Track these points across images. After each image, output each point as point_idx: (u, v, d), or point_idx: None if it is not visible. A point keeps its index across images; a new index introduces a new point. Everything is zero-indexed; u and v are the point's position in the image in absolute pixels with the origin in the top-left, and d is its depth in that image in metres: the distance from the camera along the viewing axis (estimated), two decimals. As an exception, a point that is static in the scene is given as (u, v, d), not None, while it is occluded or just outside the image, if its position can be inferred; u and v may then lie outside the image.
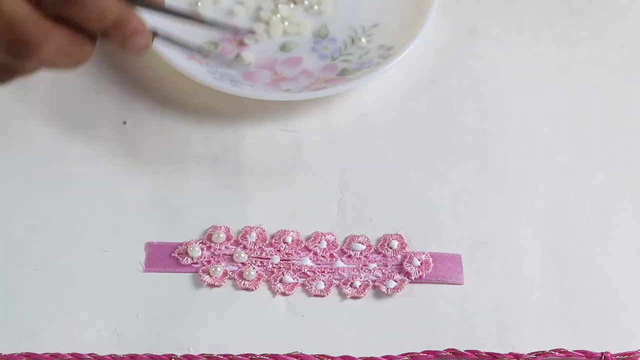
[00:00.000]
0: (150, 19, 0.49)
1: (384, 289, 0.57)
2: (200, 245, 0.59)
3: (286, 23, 0.70)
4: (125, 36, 0.47)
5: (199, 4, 0.71)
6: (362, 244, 0.59)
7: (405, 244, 0.59)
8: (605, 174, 0.62)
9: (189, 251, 0.58)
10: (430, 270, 0.58)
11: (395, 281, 0.57)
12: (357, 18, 0.70)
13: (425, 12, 0.67)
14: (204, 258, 0.58)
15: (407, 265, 0.58)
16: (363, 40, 0.69)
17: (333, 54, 0.69)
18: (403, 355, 0.54)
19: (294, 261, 0.58)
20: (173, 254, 0.58)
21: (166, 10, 0.50)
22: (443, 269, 0.58)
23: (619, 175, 0.62)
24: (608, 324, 0.56)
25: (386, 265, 0.58)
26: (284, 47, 0.69)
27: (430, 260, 0.58)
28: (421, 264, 0.58)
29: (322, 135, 0.65)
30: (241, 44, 0.69)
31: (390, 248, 0.59)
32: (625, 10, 0.72)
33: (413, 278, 0.57)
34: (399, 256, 0.59)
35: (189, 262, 0.58)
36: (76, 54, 0.47)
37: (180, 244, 0.59)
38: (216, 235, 0.59)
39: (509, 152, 0.63)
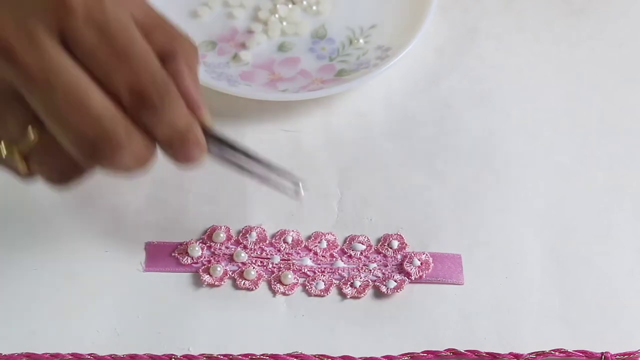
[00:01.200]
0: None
1: (384, 289, 0.57)
2: (200, 244, 0.59)
3: (284, 23, 0.70)
4: (186, 147, 0.47)
5: (209, 4, 0.71)
6: (362, 243, 0.59)
7: (406, 244, 0.59)
8: (606, 174, 0.62)
9: (189, 251, 0.58)
10: (430, 270, 0.58)
11: (395, 281, 0.57)
12: (355, 19, 0.71)
13: (424, 13, 0.67)
14: (204, 258, 0.58)
15: (407, 265, 0.58)
16: (361, 41, 0.69)
17: (331, 55, 0.69)
18: (403, 355, 0.54)
19: (294, 261, 0.58)
20: (173, 254, 0.58)
21: (218, 138, 0.51)
22: (443, 269, 0.58)
23: (619, 175, 0.62)
24: (608, 324, 0.56)
25: (386, 265, 0.58)
26: (282, 47, 0.69)
27: (430, 260, 0.58)
28: (421, 264, 0.58)
29: (322, 135, 0.65)
30: (241, 45, 0.69)
31: (391, 248, 0.59)
32: (625, 10, 0.72)
33: (413, 278, 0.57)
34: (399, 256, 0.59)
35: (189, 261, 0.58)
36: (146, 159, 0.46)
37: (180, 244, 0.59)
38: (216, 235, 0.59)
39: (509, 152, 0.63)
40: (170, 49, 0.47)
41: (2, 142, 0.46)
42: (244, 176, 0.54)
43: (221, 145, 0.51)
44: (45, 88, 0.43)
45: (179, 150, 0.48)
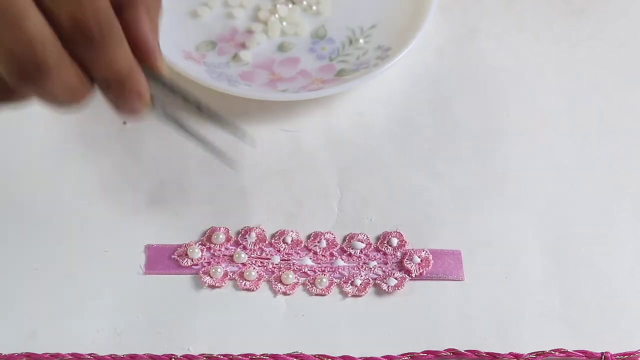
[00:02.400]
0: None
1: (384, 287, 0.57)
2: (200, 246, 0.59)
3: (284, 23, 0.71)
4: (124, 93, 0.46)
5: (209, 4, 0.71)
6: (362, 242, 0.59)
7: (405, 241, 0.59)
8: (605, 174, 0.62)
9: (188, 253, 0.58)
10: (430, 267, 0.58)
11: (395, 279, 0.57)
12: (355, 19, 0.71)
13: (424, 13, 0.67)
14: (204, 259, 0.58)
15: (407, 262, 0.58)
16: (361, 41, 0.69)
17: (331, 55, 0.69)
18: (403, 355, 0.54)
19: (294, 261, 0.58)
20: (173, 256, 0.58)
21: (168, 86, 0.49)
22: (443, 266, 0.58)
23: (619, 175, 0.62)
24: (608, 324, 0.56)
25: (386, 263, 0.58)
26: (282, 48, 0.69)
27: (430, 257, 0.58)
28: (421, 261, 0.58)
29: (322, 135, 0.65)
30: (241, 45, 0.69)
31: (390, 246, 0.59)
32: (625, 10, 0.72)
33: (414, 275, 0.57)
34: (398, 254, 0.59)
35: (189, 263, 0.58)
36: (77, 93, 0.45)
37: (180, 246, 0.59)
38: (215, 236, 0.59)
39: (509, 152, 0.63)
40: None
41: None
42: (186, 138, 0.51)
43: (174, 95, 0.49)
44: None
45: (117, 96, 0.46)
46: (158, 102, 0.49)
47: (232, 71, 0.67)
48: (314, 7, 0.71)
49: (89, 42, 0.44)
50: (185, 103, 0.50)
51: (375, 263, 0.58)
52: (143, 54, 0.47)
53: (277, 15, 0.71)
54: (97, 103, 0.66)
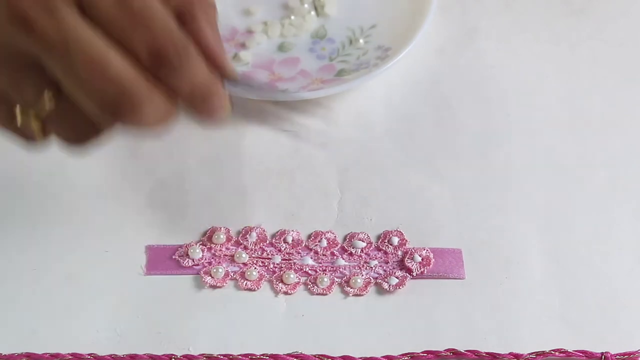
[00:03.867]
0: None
1: (385, 286, 0.57)
2: (201, 246, 0.59)
3: (287, 25, 0.70)
4: (207, 105, 0.47)
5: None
6: (363, 241, 0.59)
7: (406, 240, 0.59)
8: (605, 174, 0.62)
9: (189, 253, 0.58)
10: (431, 265, 0.58)
11: (397, 278, 0.57)
12: (355, 19, 0.71)
13: (424, 13, 0.67)
14: (205, 259, 0.58)
15: (409, 261, 0.58)
16: (361, 41, 0.69)
17: (331, 55, 0.69)
18: (403, 355, 0.54)
19: (295, 261, 0.58)
20: (174, 256, 0.58)
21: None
22: (444, 264, 0.58)
23: (619, 175, 0.62)
24: (608, 324, 0.56)
25: (387, 262, 0.58)
26: (282, 48, 0.69)
27: (431, 255, 0.58)
28: (422, 259, 0.58)
29: (322, 135, 0.65)
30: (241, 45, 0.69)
31: (391, 245, 0.59)
32: (625, 10, 0.72)
33: (414, 274, 0.57)
34: (399, 252, 0.59)
35: (189, 264, 0.58)
36: (167, 116, 0.46)
37: (181, 246, 0.59)
38: (216, 236, 0.59)
39: (509, 152, 0.63)
40: (189, 8, 0.48)
41: (18, 107, 0.47)
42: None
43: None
44: (64, 55, 0.43)
45: (201, 107, 0.48)
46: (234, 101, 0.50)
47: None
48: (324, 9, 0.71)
49: (169, 67, 0.45)
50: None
51: (376, 262, 0.58)
52: (212, 62, 0.48)
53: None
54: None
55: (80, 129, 0.47)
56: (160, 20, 0.45)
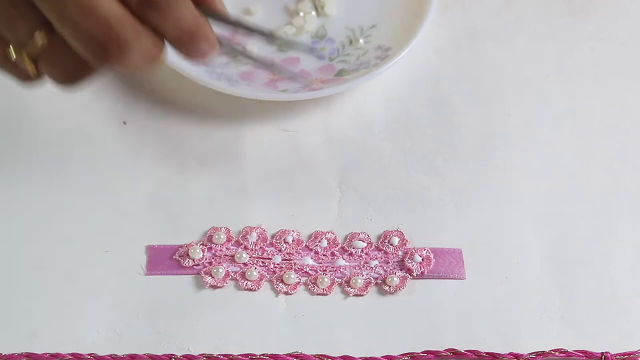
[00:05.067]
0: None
1: (386, 286, 0.57)
2: (201, 246, 0.59)
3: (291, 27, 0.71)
4: (194, 44, 0.48)
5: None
6: (363, 241, 0.59)
7: (406, 240, 0.59)
8: (605, 174, 0.62)
9: (190, 253, 0.58)
10: (431, 266, 0.58)
11: (397, 278, 0.57)
12: (355, 19, 0.70)
13: (424, 13, 0.67)
14: (205, 260, 0.58)
15: (409, 261, 0.58)
16: (361, 41, 0.69)
17: (331, 55, 0.69)
18: (403, 355, 0.54)
19: (295, 261, 0.58)
20: (174, 257, 0.58)
21: (232, 22, 0.51)
22: (444, 264, 0.58)
23: (619, 175, 0.62)
24: (608, 324, 0.56)
25: (387, 262, 0.58)
26: (282, 47, 0.69)
27: (432, 256, 0.58)
28: (422, 259, 0.58)
29: (322, 135, 0.65)
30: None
31: (391, 245, 0.59)
32: (625, 10, 0.72)
33: (415, 274, 0.57)
34: (400, 253, 0.59)
35: (190, 264, 0.58)
36: (154, 56, 0.47)
37: (181, 246, 0.59)
38: (217, 236, 0.59)
39: (509, 152, 0.63)
40: None
41: (12, 46, 0.47)
42: (252, 64, 0.54)
43: (234, 28, 0.52)
44: None
45: (188, 48, 0.49)
46: (222, 39, 0.51)
47: (232, 71, 0.67)
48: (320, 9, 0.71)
49: (157, 8, 0.46)
50: (245, 30, 0.52)
51: (376, 262, 0.58)
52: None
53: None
54: (97, 103, 0.66)
55: (71, 69, 0.48)
56: None
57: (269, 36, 0.52)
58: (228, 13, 0.51)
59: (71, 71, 0.48)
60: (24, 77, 0.49)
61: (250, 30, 0.52)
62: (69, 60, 0.47)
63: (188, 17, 0.47)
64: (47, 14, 0.45)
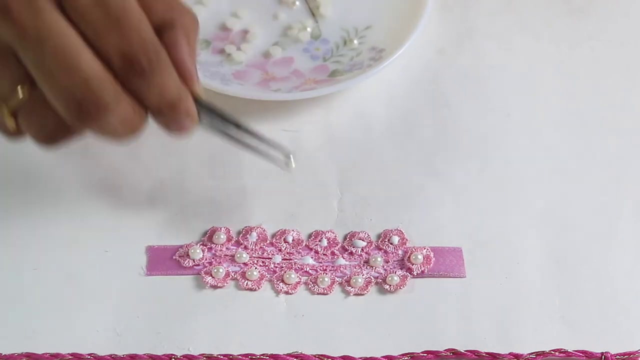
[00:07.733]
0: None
1: (386, 285, 0.57)
2: (201, 247, 0.59)
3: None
4: (175, 116, 0.48)
5: (203, 2, 0.71)
6: (363, 240, 0.59)
7: (406, 239, 0.59)
8: (606, 174, 0.62)
9: (190, 253, 0.58)
10: (432, 264, 0.58)
11: (397, 277, 0.57)
12: (350, 19, 0.70)
13: (419, 15, 0.67)
14: (206, 260, 0.58)
15: (409, 261, 0.58)
16: (355, 42, 0.69)
17: (325, 55, 0.69)
18: (403, 355, 0.54)
19: (295, 260, 0.58)
20: (174, 257, 0.58)
21: (205, 107, 0.51)
22: (445, 263, 0.58)
23: (619, 175, 0.62)
24: (608, 324, 0.56)
25: (387, 261, 0.58)
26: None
27: (432, 254, 0.58)
28: (423, 258, 0.58)
29: (322, 135, 0.65)
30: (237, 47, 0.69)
31: (391, 244, 0.59)
32: (625, 10, 0.72)
33: (415, 273, 0.57)
34: (400, 252, 0.59)
35: (190, 264, 0.58)
36: (133, 124, 0.47)
37: (181, 246, 0.59)
38: (217, 236, 0.59)
39: (509, 152, 0.63)
40: (169, 19, 0.48)
41: None
42: (236, 146, 0.54)
43: (212, 116, 0.52)
44: (37, 46, 0.44)
45: (169, 119, 0.48)
46: (205, 117, 0.51)
47: (225, 70, 0.67)
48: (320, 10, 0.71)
49: (140, 74, 0.45)
50: (225, 122, 0.52)
51: (377, 260, 0.58)
52: (181, 77, 0.48)
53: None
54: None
55: (50, 128, 0.47)
56: (135, 25, 0.45)
57: (242, 128, 0.53)
58: (204, 98, 0.51)
59: (51, 130, 0.47)
60: (4, 131, 0.49)
61: (225, 119, 0.52)
62: (49, 119, 0.46)
63: (172, 87, 0.47)
64: (29, 67, 0.45)
